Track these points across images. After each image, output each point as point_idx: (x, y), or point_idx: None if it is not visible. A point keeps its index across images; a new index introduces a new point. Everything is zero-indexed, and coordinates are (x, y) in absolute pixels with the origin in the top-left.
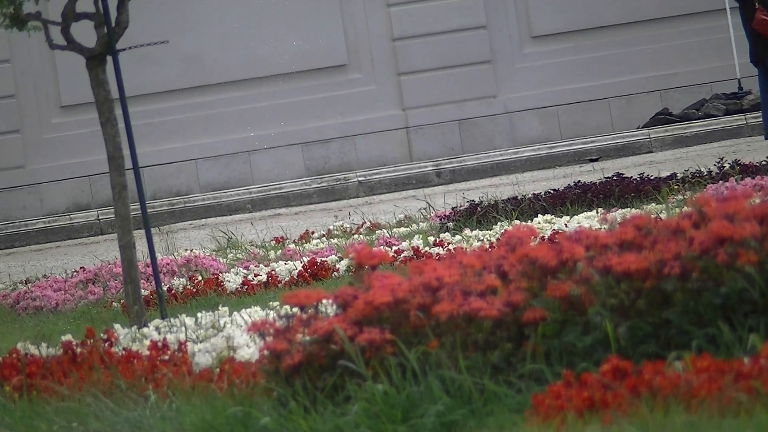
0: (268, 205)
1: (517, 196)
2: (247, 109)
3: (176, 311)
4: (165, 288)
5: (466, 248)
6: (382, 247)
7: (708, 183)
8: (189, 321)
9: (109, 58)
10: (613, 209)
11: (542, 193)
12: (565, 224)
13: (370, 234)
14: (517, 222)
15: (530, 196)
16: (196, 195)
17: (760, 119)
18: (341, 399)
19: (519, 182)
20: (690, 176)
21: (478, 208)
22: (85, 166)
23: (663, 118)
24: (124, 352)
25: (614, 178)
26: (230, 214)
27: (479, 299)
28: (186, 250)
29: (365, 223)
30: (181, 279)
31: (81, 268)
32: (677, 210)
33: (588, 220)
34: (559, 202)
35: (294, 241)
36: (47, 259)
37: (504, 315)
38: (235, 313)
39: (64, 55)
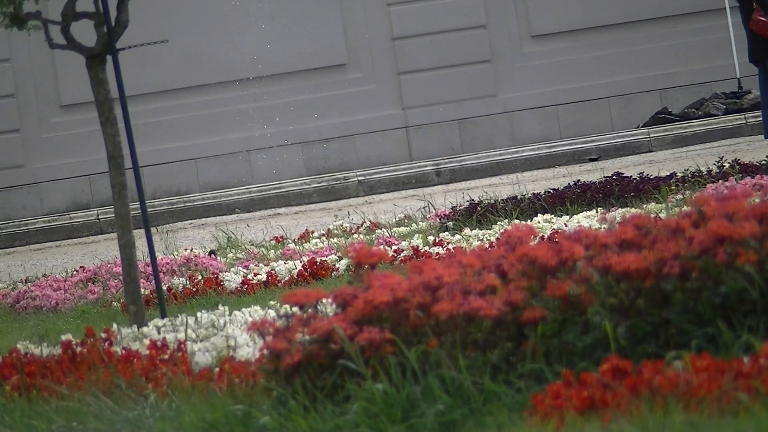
0: (268, 205)
1: (516, 196)
2: (246, 108)
3: (176, 311)
4: (165, 287)
5: (465, 248)
6: (381, 246)
7: (708, 182)
8: (189, 320)
9: (109, 58)
10: (612, 208)
11: (542, 193)
12: (565, 224)
13: (370, 233)
14: (517, 221)
15: (530, 195)
16: (196, 194)
17: (760, 118)
18: (341, 398)
19: (519, 181)
20: (690, 175)
21: (478, 208)
22: (85, 165)
23: (663, 117)
24: (123, 352)
25: (614, 177)
26: (230, 214)
27: (479, 299)
28: (186, 249)
29: (365, 222)
30: (180, 278)
31: (81, 267)
32: (677, 209)
33: (588, 219)
34: (559, 201)
35: (294, 241)
36: (47, 258)
37: (504, 314)
38: (234, 312)
39: (63, 55)
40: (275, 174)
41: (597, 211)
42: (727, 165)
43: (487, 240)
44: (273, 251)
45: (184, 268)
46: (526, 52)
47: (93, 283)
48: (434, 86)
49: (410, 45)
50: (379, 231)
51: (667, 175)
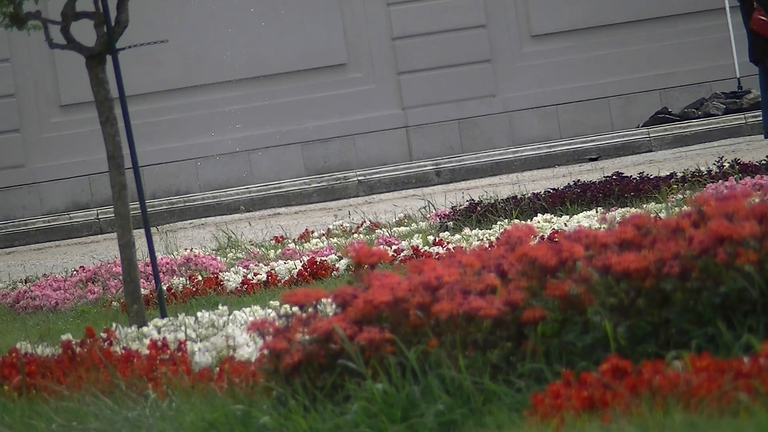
0: (268, 205)
1: (516, 196)
2: (246, 108)
3: (176, 310)
4: (165, 287)
5: (465, 247)
6: (381, 246)
7: (707, 182)
8: (189, 320)
9: (109, 57)
10: (612, 208)
11: (542, 192)
12: (565, 223)
13: (370, 233)
14: (517, 221)
15: (530, 195)
16: (196, 194)
17: (760, 118)
18: (341, 398)
19: (518, 181)
20: (689, 175)
21: (478, 208)
22: (85, 165)
23: (662, 117)
24: (123, 352)
25: (614, 177)
26: (230, 214)
27: (479, 298)
28: (186, 249)
29: (365, 222)
30: (180, 278)
31: (81, 267)
32: (677, 209)
33: (587, 219)
34: (559, 201)
35: (294, 241)
36: (47, 258)
37: (503, 314)
38: (234, 312)
39: (63, 55)
40: (275, 174)
41: (597, 211)
42: (726, 165)
43: (487, 240)
44: (273, 251)
45: (184, 268)
46: (526, 51)
47: (93, 283)
48: (434, 86)
49: (410, 45)
50: (379, 231)
51: (667, 175)
